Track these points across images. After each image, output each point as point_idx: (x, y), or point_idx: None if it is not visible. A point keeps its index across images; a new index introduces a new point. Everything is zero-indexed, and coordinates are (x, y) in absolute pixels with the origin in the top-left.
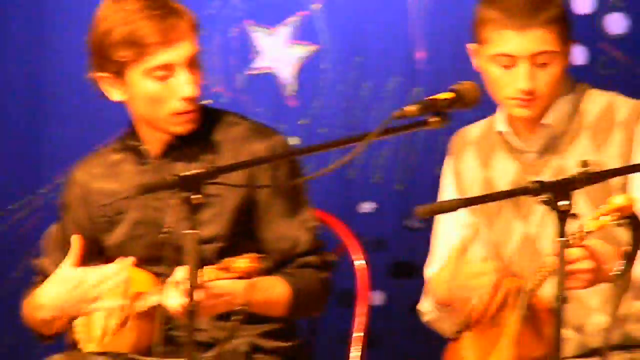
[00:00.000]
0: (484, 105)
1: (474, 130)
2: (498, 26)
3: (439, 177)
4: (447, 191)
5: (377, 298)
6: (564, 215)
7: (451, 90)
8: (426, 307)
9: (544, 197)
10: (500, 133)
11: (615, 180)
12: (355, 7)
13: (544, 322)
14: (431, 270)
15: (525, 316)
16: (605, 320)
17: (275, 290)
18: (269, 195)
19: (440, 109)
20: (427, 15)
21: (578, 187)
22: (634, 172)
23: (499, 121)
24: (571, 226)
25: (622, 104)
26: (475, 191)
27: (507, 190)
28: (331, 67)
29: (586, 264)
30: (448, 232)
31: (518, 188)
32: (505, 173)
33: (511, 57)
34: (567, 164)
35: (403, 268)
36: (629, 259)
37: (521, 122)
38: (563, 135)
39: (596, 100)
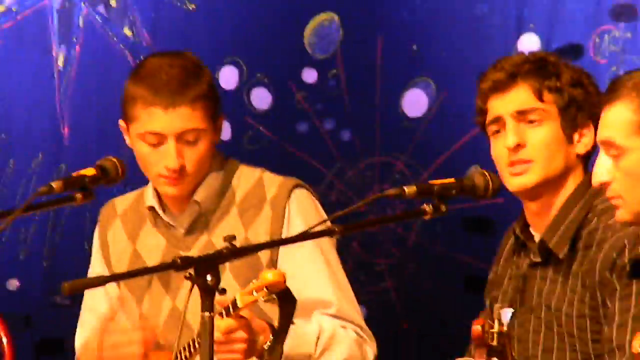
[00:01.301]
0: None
1: (124, 201)
2: (145, 104)
3: (85, 252)
4: (95, 262)
5: None
6: (209, 290)
7: (96, 166)
8: None
9: (187, 272)
10: (150, 208)
11: (264, 257)
12: (0, 82)
13: None
14: (79, 341)
15: None
16: None
17: None
18: None
19: (84, 185)
20: (72, 91)
21: (223, 261)
22: (276, 245)
23: (149, 196)
24: (221, 300)
25: (271, 182)
26: (123, 264)
27: (151, 267)
28: None
29: (240, 334)
30: (96, 302)
31: (162, 264)
32: (155, 247)
33: (159, 135)
34: (216, 240)
35: (49, 345)
36: (279, 333)
37: (170, 198)
38: (212, 212)
39: (246, 177)
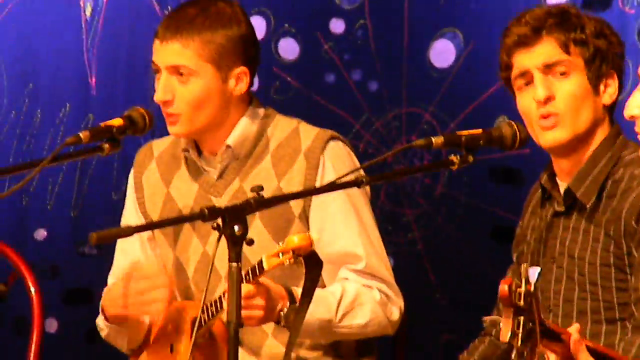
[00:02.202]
0: None
1: (161, 144)
2: (154, 37)
3: (113, 202)
4: (129, 204)
5: (51, 325)
6: (236, 240)
7: (123, 117)
8: (103, 322)
9: (215, 222)
10: (184, 150)
11: (296, 208)
12: (28, 33)
13: (221, 348)
14: (111, 281)
15: (200, 343)
16: (278, 345)
17: None
18: None
19: (112, 135)
20: (100, 41)
21: (251, 212)
22: (304, 196)
23: (184, 139)
24: (249, 254)
25: (307, 133)
26: (156, 207)
27: (180, 217)
28: (3, 94)
29: (258, 301)
30: (128, 244)
31: (190, 214)
32: (187, 192)
33: (156, 66)
34: (248, 187)
35: (76, 295)
36: (305, 295)
37: (202, 141)
38: (245, 159)
39: (282, 127)
